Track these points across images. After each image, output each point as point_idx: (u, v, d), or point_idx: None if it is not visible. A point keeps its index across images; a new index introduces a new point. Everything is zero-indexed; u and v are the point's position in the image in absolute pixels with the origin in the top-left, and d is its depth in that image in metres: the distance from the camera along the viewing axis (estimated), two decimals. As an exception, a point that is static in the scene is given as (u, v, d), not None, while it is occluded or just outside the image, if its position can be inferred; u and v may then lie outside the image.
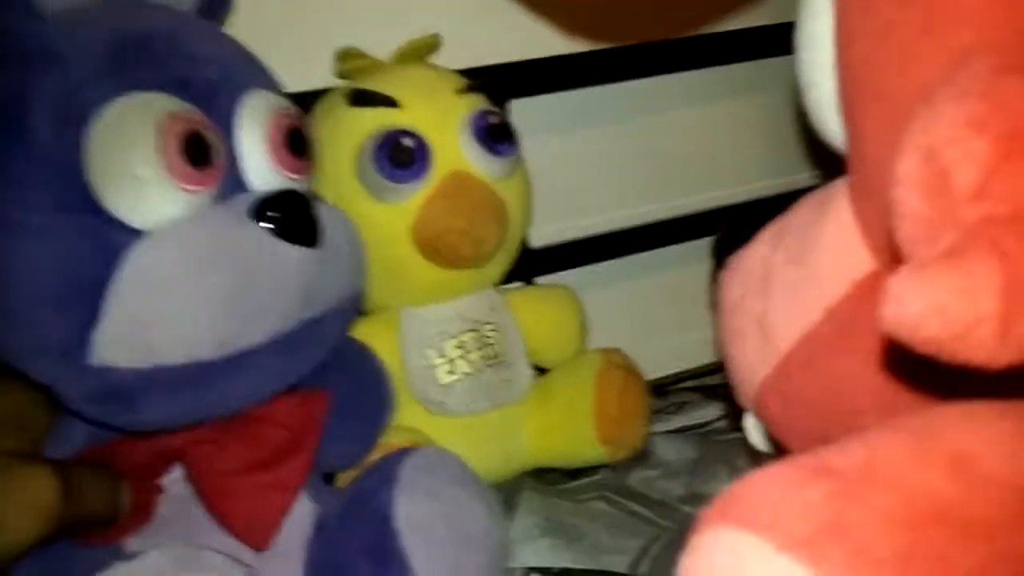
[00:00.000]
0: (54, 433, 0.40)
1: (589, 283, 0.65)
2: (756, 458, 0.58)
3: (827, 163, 0.33)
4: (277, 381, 0.42)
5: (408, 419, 0.54)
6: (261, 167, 0.40)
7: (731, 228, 0.40)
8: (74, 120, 0.36)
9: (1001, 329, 0.19)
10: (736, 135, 0.75)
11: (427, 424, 0.54)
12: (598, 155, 0.70)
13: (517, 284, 0.64)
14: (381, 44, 0.57)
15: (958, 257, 0.19)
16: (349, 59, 0.56)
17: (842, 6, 0.29)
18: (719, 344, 0.37)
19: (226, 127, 0.40)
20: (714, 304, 0.37)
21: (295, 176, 0.42)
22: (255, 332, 0.38)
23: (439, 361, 0.54)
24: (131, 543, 0.40)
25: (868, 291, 0.29)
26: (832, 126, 0.31)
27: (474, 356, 0.55)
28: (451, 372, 0.55)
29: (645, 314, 0.73)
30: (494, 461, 0.56)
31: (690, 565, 0.20)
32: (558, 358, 0.60)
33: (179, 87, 0.38)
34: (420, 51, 0.57)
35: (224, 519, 0.40)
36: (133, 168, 0.35)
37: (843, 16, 0.28)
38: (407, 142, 0.52)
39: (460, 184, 0.53)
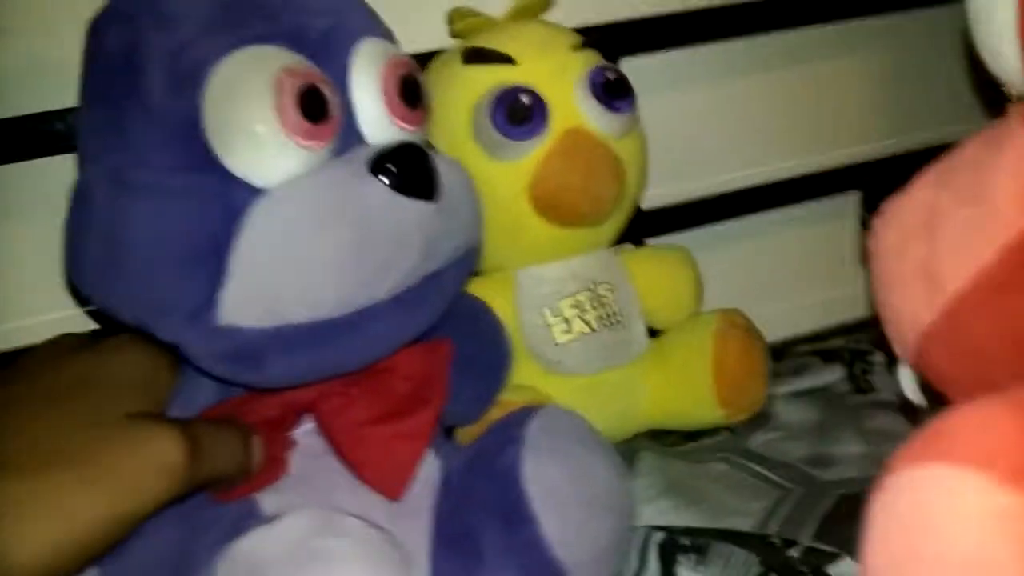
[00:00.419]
0: (180, 391, 0.40)
1: (702, 245, 0.64)
2: (884, 418, 0.56)
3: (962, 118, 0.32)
4: (400, 336, 0.41)
5: (525, 378, 0.53)
6: (377, 119, 0.40)
7: (878, 174, 0.39)
8: (188, 78, 0.35)
9: None
10: (849, 93, 0.73)
11: (544, 383, 0.54)
12: (710, 114, 0.69)
13: (628, 245, 0.63)
14: (494, 3, 0.56)
15: None
16: (462, 18, 0.56)
17: None
18: (873, 294, 0.36)
19: (341, 79, 0.39)
20: (865, 255, 0.36)
21: (411, 127, 0.41)
22: (378, 288, 0.38)
23: (555, 320, 0.54)
24: (265, 499, 0.39)
25: None
26: (1007, 58, 0.29)
27: (590, 316, 0.55)
28: (567, 332, 0.54)
29: (758, 277, 0.72)
30: (611, 422, 0.55)
31: (890, 504, 0.19)
32: (673, 319, 0.59)
33: (292, 39, 0.38)
34: (534, 9, 0.57)
35: (358, 469, 0.40)
36: (251, 126, 0.35)
37: None
38: (524, 99, 0.51)
39: (578, 141, 0.52)
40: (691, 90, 0.68)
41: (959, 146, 0.33)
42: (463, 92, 0.53)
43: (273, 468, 0.40)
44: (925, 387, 0.35)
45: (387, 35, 0.43)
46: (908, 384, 0.37)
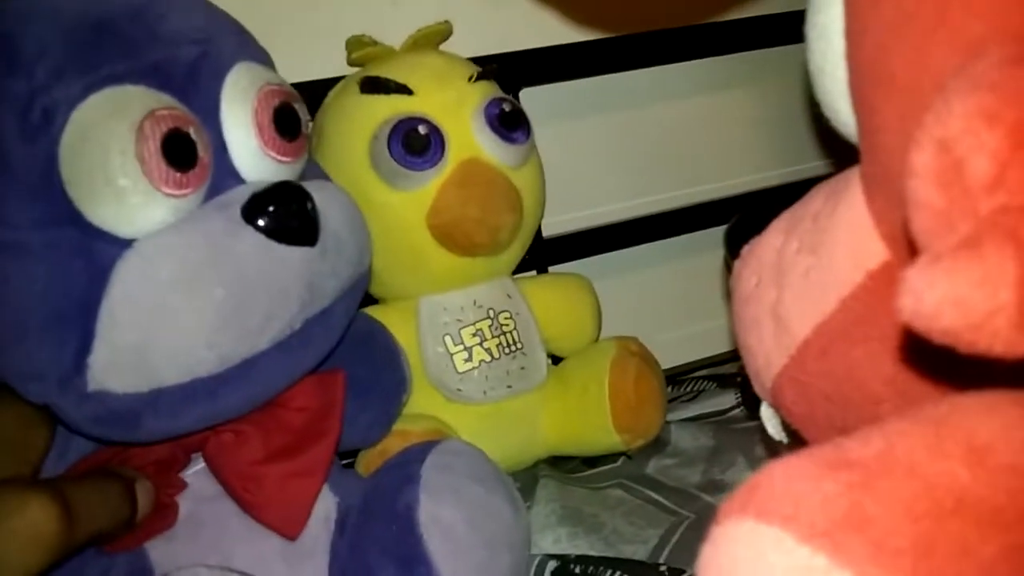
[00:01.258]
0: (58, 442, 0.38)
1: (602, 272, 0.65)
2: (773, 446, 0.57)
3: (838, 152, 0.33)
4: (287, 379, 0.40)
5: (427, 407, 0.53)
6: (252, 154, 0.38)
7: (744, 216, 0.40)
8: (42, 126, 0.33)
9: (1018, 318, 0.19)
10: (749, 124, 0.75)
11: (445, 412, 0.54)
12: (610, 144, 0.70)
13: (531, 273, 0.64)
14: (393, 33, 0.56)
15: (974, 248, 0.19)
16: (360, 47, 0.56)
17: None
18: (734, 334, 0.37)
19: (211, 113, 0.37)
20: (729, 293, 0.37)
21: (287, 159, 0.39)
22: (258, 340, 0.36)
23: (456, 349, 0.54)
24: (155, 548, 0.38)
25: (882, 281, 0.29)
26: (844, 115, 0.30)
27: (490, 344, 0.55)
28: (468, 360, 0.54)
29: (658, 303, 0.73)
30: (511, 449, 0.55)
31: (710, 557, 0.20)
32: (573, 346, 0.60)
33: (155, 76, 0.35)
34: (432, 39, 0.57)
35: (253, 510, 0.39)
36: (112, 177, 0.33)
37: (854, 6, 0.28)
38: (421, 129, 0.51)
39: (474, 171, 0.52)
40: (590, 120, 0.69)
41: (810, 193, 0.34)
42: (361, 121, 0.53)
43: (163, 515, 0.39)
44: (787, 424, 0.36)
45: (261, 58, 0.40)
46: (770, 421, 0.38)
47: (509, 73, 0.59)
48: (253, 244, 0.35)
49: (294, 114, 0.39)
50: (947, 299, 0.19)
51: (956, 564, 0.18)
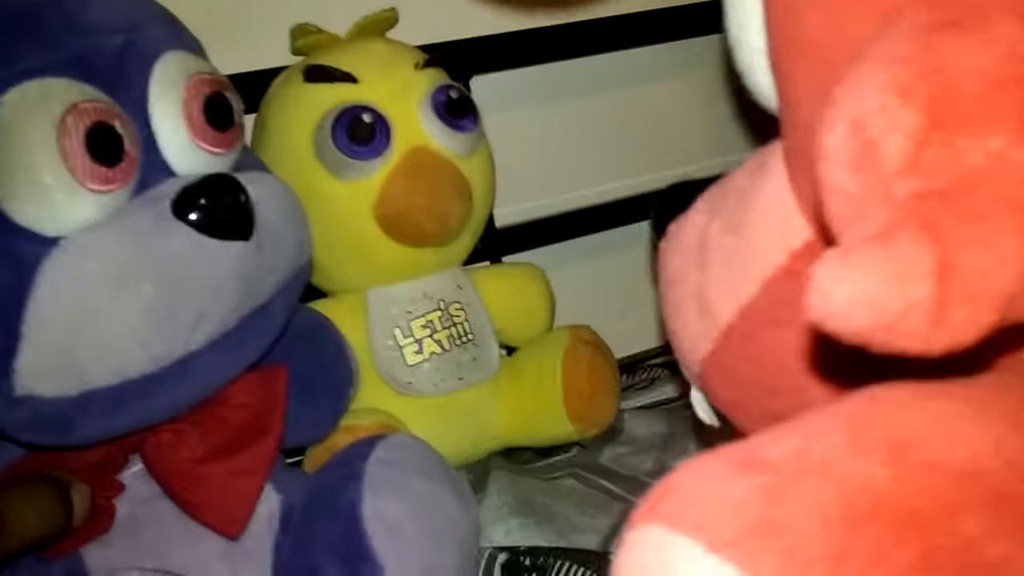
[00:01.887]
0: None
1: (556, 262, 0.64)
2: (707, 434, 0.57)
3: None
4: (225, 376, 0.39)
5: (377, 401, 0.52)
6: (182, 146, 0.36)
7: (668, 196, 0.38)
8: None
9: (935, 315, 0.18)
10: (703, 110, 0.74)
11: (395, 406, 0.53)
12: (562, 132, 0.69)
13: (483, 264, 0.63)
14: (338, 21, 0.55)
15: (887, 239, 0.18)
16: (304, 35, 0.54)
17: None
18: (662, 318, 0.35)
19: (139, 105, 0.36)
20: (655, 277, 0.36)
21: (219, 151, 0.38)
22: (193, 339, 0.35)
23: (406, 341, 0.53)
24: (92, 553, 0.37)
25: (806, 261, 0.27)
26: (764, 88, 0.29)
27: (441, 335, 0.54)
28: (418, 352, 0.53)
29: (611, 292, 0.72)
30: (464, 441, 0.55)
31: (622, 562, 0.19)
32: (526, 336, 0.59)
33: (79, 67, 0.34)
34: (378, 26, 0.56)
35: (193, 510, 0.38)
36: (35, 175, 0.32)
37: None
38: (366, 117, 0.50)
39: (421, 160, 0.51)
40: (542, 108, 0.68)
41: (731, 172, 0.33)
42: (304, 110, 0.51)
43: (99, 519, 0.37)
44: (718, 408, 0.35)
45: (191, 46, 0.39)
46: (700, 405, 0.37)
47: (459, 61, 0.58)
48: (184, 239, 0.34)
49: (226, 104, 0.38)
50: (856, 298, 0.17)
51: (872, 572, 0.18)
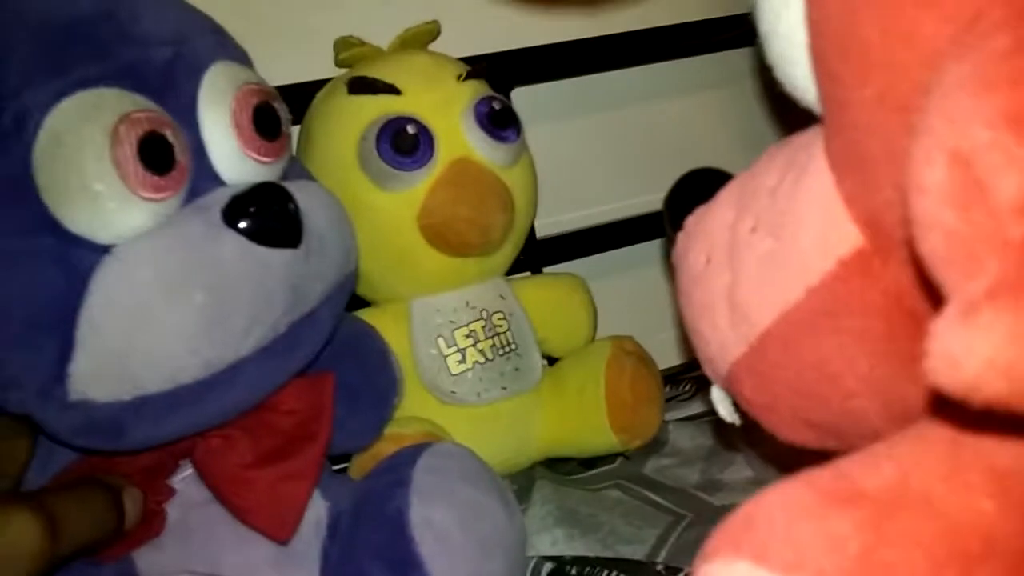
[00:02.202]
0: (40, 452, 0.38)
1: (598, 273, 0.64)
2: (771, 445, 0.56)
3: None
4: (274, 383, 0.39)
5: (420, 410, 0.52)
6: (231, 156, 0.37)
7: (682, 185, 0.36)
8: (14, 133, 0.32)
9: None
10: (743, 121, 0.74)
11: (439, 415, 0.53)
12: (604, 143, 0.69)
13: (525, 274, 0.63)
14: (381, 34, 0.56)
15: (1014, 294, 0.16)
16: (348, 47, 0.55)
17: None
18: (682, 316, 0.33)
19: (188, 115, 0.36)
20: (671, 271, 0.34)
21: (268, 160, 0.38)
22: (242, 346, 0.35)
23: (449, 351, 0.53)
24: (143, 557, 0.37)
25: (855, 269, 0.26)
26: (801, 81, 0.27)
27: (484, 345, 0.54)
28: (461, 362, 0.53)
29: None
30: (507, 452, 0.55)
31: None
32: (568, 347, 0.59)
33: (128, 77, 0.34)
34: (420, 39, 0.56)
35: (243, 515, 0.38)
36: (88, 183, 0.32)
37: None
38: (410, 128, 0.50)
39: (464, 171, 0.51)
40: (584, 119, 0.68)
41: (762, 159, 0.31)
42: (349, 122, 0.52)
43: (150, 523, 0.38)
44: (739, 406, 0.34)
45: (239, 57, 0.39)
46: (721, 404, 0.35)
47: (501, 73, 0.58)
48: (234, 247, 0.34)
49: (274, 113, 0.39)
50: (992, 365, 0.16)
51: None
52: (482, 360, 0.54)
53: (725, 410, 0.36)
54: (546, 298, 0.59)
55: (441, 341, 0.53)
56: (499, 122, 0.53)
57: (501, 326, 0.55)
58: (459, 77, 0.54)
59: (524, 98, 0.61)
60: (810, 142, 0.28)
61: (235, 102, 0.37)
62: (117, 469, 0.37)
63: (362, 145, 0.51)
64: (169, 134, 0.34)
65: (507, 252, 0.56)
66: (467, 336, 0.54)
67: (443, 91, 0.53)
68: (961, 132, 0.17)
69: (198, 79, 0.36)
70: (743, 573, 0.18)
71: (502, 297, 0.56)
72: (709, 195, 0.33)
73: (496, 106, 0.53)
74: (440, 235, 0.51)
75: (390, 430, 0.50)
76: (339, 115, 0.52)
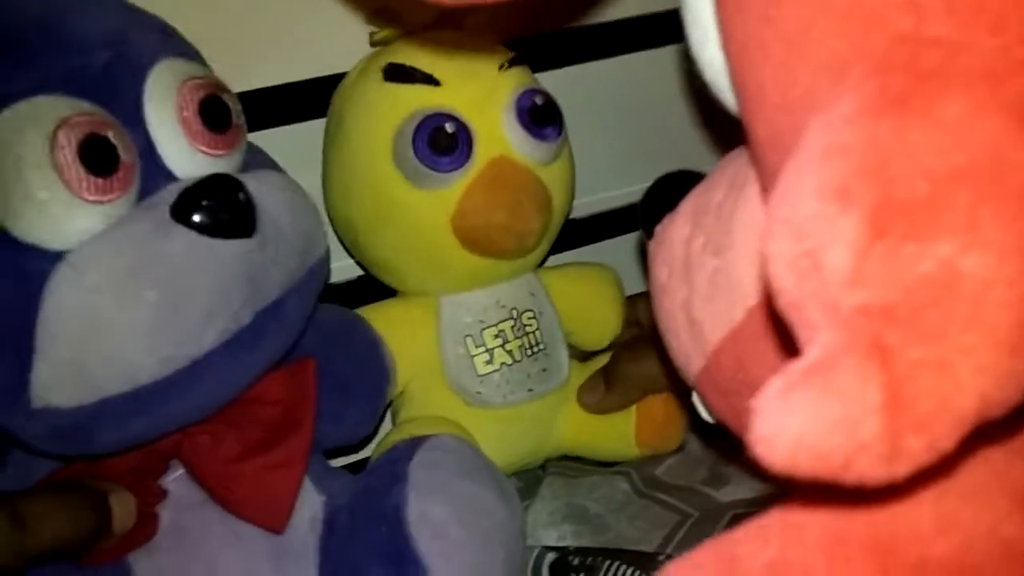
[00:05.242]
0: (21, 463, 0.38)
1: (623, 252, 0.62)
2: (706, 430, 0.55)
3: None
4: (247, 374, 0.39)
5: (445, 410, 0.52)
6: (180, 152, 0.36)
7: (654, 191, 0.36)
8: None
9: (888, 451, 0.16)
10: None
11: (464, 415, 0.52)
12: (612, 128, 0.65)
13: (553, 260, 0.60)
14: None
15: (830, 372, 0.16)
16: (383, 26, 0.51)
17: None
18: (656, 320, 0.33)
19: (134, 114, 0.35)
20: (646, 272, 0.34)
21: (219, 152, 0.37)
22: (204, 339, 0.35)
23: (477, 351, 0.52)
24: (139, 561, 0.38)
25: None
26: (732, 104, 0.27)
27: (512, 346, 0.53)
28: (488, 363, 0.52)
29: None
30: (526, 451, 0.54)
31: None
32: (595, 342, 0.57)
33: (67, 82, 0.34)
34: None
35: (236, 508, 0.39)
36: (32, 192, 0.32)
37: (718, 1, 0.24)
38: (449, 127, 0.48)
39: (502, 173, 0.49)
40: (592, 104, 0.63)
41: (717, 169, 0.31)
42: (385, 113, 0.49)
43: (144, 525, 0.38)
44: None
45: (186, 53, 0.39)
46: (700, 406, 0.35)
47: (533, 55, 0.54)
48: (184, 241, 0.34)
49: (222, 105, 0.38)
50: (801, 446, 0.16)
51: None
52: (509, 361, 0.52)
53: (704, 412, 0.36)
54: (576, 292, 0.56)
55: (469, 341, 0.52)
56: (541, 119, 0.50)
57: (530, 325, 0.54)
58: (501, 66, 0.50)
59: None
60: (748, 160, 0.28)
61: (180, 97, 0.36)
62: (104, 473, 0.37)
63: (398, 141, 0.48)
64: (112, 135, 0.34)
65: (541, 248, 0.54)
66: (496, 336, 0.53)
67: (484, 83, 0.50)
68: (793, 204, 0.17)
69: (141, 79, 0.36)
70: None
71: (532, 295, 0.54)
72: (680, 201, 0.32)
73: (539, 101, 0.50)
74: (474, 239, 0.49)
75: (410, 429, 0.49)
76: (374, 104, 0.49)
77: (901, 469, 0.16)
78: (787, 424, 0.16)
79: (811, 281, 0.17)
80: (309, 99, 0.52)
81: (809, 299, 0.17)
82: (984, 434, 0.18)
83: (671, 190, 0.33)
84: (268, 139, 0.49)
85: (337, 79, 0.52)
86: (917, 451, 0.16)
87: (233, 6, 0.49)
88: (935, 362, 0.16)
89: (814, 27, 0.20)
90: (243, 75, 0.49)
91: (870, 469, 0.16)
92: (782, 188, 0.18)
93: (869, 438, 0.16)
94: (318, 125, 0.52)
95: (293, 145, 0.51)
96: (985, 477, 0.20)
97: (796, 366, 0.17)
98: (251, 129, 0.44)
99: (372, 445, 0.52)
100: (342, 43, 0.52)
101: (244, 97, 0.49)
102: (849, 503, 0.19)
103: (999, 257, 0.16)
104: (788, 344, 0.23)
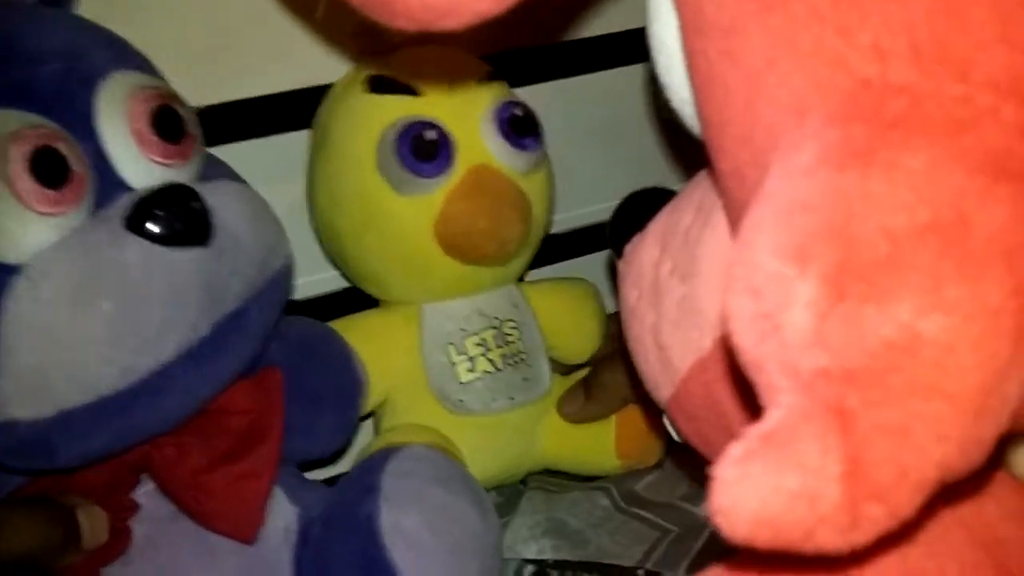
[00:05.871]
0: None
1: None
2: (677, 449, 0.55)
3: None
4: (210, 385, 0.38)
5: (427, 418, 0.51)
6: (133, 162, 0.36)
7: (623, 210, 0.35)
8: None
9: (847, 520, 0.16)
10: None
11: (445, 423, 0.51)
12: (599, 141, 0.64)
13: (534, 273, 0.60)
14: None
15: (788, 442, 0.16)
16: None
17: (681, 16, 0.24)
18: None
19: (85, 126, 0.35)
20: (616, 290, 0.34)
21: (173, 162, 0.37)
22: (163, 349, 0.35)
23: (459, 359, 0.52)
24: (112, 574, 0.37)
25: None
26: (699, 132, 0.26)
27: (494, 354, 0.52)
28: (471, 370, 0.52)
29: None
30: (509, 461, 0.54)
31: None
32: (576, 355, 0.57)
33: (15, 97, 0.34)
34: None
35: (205, 519, 0.39)
36: None
37: (683, 23, 0.24)
38: (430, 135, 0.48)
39: (483, 180, 0.49)
40: (578, 118, 0.63)
41: (686, 190, 0.30)
42: (368, 122, 0.49)
43: (116, 540, 0.38)
44: None
45: (139, 65, 0.38)
46: (671, 429, 0.34)
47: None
48: (138, 251, 0.34)
49: (175, 115, 0.38)
50: (760, 518, 0.16)
51: None
52: (491, 370, 0.52)
53: (675, 433, 0.35)
54: (557, 306, 0.56)
55: (451, 348, 0.52)
56: (520, 129, 0.50)
57: (512, 335, 0.53)
58: (480, 79, 0.50)
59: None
60: (712, 187, 0.27)
61: (132, 108, 0.36)
62: (74, 488, 0.37)
63: (381, 148, 0.48)
64: (63, 147, 0.34)
65: (522, 259, 0.54)
66: (478, 344, 0.52)
67: (464, 94, 0.50)
68: (752, 262, 0.17)
69: (92, 91, 0.36)
70: None
71: (515, 306, 0.54)
72: (649, 220, 0.32)
73: (518, 112, 0.50)
74: (456, 245, 0.49)
75: (394, 437, 0.49)
76: (358, 114, 0.50)
77: (861, 538, 0.16)
78: (746, 496, 0.16)
79: (771, 342, 0.16)
80: (294, 111, 0.52)
81: (769, 360, 0.17)
82: (949, 488, 0.17)
83: (641, 208, 0.33)
84: (252, 150, 0.49)
85: (321, 91, 0.52)
86: (877, 519, 0.16)
87: (219, 19, 0.48)
88: (896, 428, 0.15)
89: (776, 64, 0.20)
90: (229, 87, 0.49)
91: (830, 539, 0.16)
92: (741, 242, 0.17)
93: (829, 509, 0.15)
94: (302, 137, 0.52)
95: (278, 156, 0.51)
96: (951, 529, 0.20)
97: (755, 431, 0.16)
98: (235, 140, 0.44)
99: (353, 457, 0.51)
100: (327, 56, 0.52)
101: (229, 108, 0.48)
102: (811, 569, 0.19)
103: (963, 319, 0.15)
104: (750, 388, 0.24)
